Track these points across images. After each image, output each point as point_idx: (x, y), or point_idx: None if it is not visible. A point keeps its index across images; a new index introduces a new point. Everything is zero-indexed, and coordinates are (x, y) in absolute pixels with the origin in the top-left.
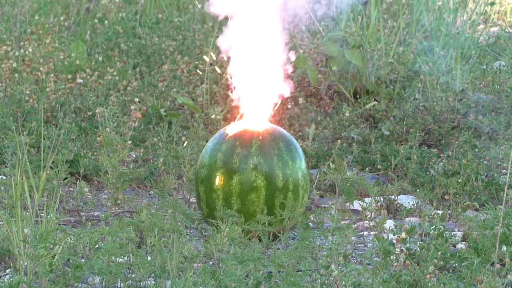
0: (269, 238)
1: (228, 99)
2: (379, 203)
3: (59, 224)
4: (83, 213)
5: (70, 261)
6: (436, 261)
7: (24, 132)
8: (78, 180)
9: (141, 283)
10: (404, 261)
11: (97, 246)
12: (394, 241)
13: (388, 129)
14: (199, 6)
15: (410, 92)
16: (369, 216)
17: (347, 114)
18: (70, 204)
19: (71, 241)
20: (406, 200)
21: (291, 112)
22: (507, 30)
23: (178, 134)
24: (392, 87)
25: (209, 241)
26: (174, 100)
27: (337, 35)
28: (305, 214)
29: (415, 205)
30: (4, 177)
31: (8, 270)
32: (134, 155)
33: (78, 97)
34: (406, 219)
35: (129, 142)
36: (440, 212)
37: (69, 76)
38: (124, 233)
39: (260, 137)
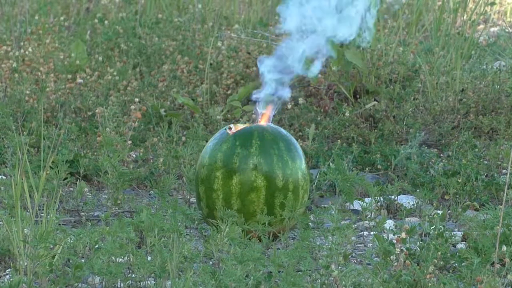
0: (269, 238)
1: (228, 99)
2: (379, 203)
3: (59, 224)
4: (83, 213)
5: (70, 261)
6: (436, 261)
7: (24, 132)
8: (78, 180)
9: (141, 283)
10: (404, 261)
11: (97, 246)
12: (394, 241)
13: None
14: (199, 6)
15: (410, 92)
16: (369, 216)
17: (347, 114)
18: (70, 204)
19: (71, 241)
20: (406, 200)
21: (291, 112)
22: (507, 30)
23: (178, 134)
24: (392, 87)
25: (209, 241)
26: (174, 100)
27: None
28: (305, 214)
29: (415, 205)
30: (4, 177)
31: (8, 270)
32: (134, 155)
33: (78, 97)
34: (406, 219)
35: (129, 142)
36: (440, 212)
37: (69, 76)
38: (124, 233)
39: (260, 137)
